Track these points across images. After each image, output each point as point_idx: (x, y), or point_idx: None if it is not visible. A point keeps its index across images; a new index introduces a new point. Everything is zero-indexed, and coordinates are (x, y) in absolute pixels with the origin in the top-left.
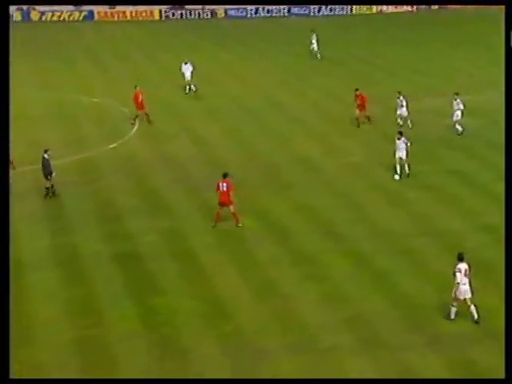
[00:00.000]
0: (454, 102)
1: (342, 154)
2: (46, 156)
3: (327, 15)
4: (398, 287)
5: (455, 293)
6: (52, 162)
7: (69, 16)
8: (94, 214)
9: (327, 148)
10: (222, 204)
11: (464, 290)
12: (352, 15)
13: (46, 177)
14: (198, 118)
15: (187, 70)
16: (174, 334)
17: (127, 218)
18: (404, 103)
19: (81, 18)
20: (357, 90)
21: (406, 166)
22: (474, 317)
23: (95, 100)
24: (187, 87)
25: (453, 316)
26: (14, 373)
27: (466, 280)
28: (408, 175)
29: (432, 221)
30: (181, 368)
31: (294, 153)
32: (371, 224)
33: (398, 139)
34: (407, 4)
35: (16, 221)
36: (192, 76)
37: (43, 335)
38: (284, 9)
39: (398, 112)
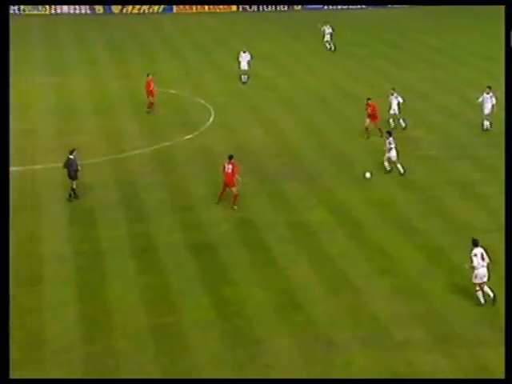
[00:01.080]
0: (487, 96)
1: (416, 147)
2: (71, 156)
3: (402, 7)
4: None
5: (474, 278)
6: (78, 163)
7: (148, 8)
8: (169, 204)
9: (401, 140)
10: (226, 185)
11: (483, 273)
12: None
13: (73, 177)
14: (272, 109)
15: (244, 58)
16: (245, 324)
17: (201, 208)
18: (397, 101)
19: (160, 10)
20: (369, 99)
21: (389, 164)
22: (480, 300)
23: (172, 91)
24: (243, 77)
25: (482, 301)
26: (92, 358)
27: (483, 263)
28: (395, 172)
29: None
30: (253, 358)
31: (367, 145)
32: (446, 218)
33: (387, 138)
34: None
35: (94, 209)
36: (249, 65)
37: (121, 321)
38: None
39: (391, 112)
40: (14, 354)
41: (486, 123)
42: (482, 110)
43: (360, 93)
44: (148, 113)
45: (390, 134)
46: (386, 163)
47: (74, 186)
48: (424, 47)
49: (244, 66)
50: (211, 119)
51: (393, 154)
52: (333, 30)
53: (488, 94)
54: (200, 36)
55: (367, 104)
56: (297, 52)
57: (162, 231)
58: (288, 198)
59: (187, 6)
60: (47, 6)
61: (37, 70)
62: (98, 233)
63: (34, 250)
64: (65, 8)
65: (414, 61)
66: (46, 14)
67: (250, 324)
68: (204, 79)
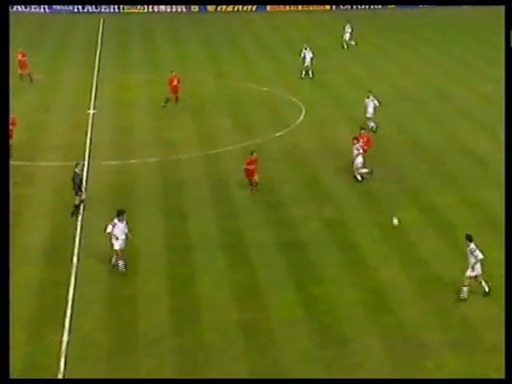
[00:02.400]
0: None
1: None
2: (76, 170)
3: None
4: None
5: (471, 271)
6: (83, 178)
7: (242, 6)
8: (259, 201)
9: (496, 141)
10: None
11: (476, 269)
12: None
13: (76, 192)
14: (362, 107)
15: (307, 55)
16: (334, 323)
17: (291, 205)
18: (373, 104)
19: (253, 8)
20: (361, 129)
21: (358, 173)
22: (485, 290)
23: (264, 89)
24: (303, 72)
25: (464, 296)
26: (182, 350)
27: (478, 258)
28: (360, 180)
29: None
30: (341, 357)
31: (460, 145)
32: None
33: (354, 144)
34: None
35: (186, 205)
36: (312, 62)
37: (210, 315)
38: None
39: (368, 115)
40: (109, 344)
41: None
42: None
43: (456, 93)
44: (163, 107)
45: (357, 139)
46: (358, 174)
47: (77, 202)
48: None
49: (307, 62)
50: (302, 117)
51: (359, 160)
52: (352, 29)
53: None
54: (292, 34)
55: (359, 135)
56: (388, 50)
57: (252, 228)
58: (378, 198)
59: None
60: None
61: (134, 67)
62: (189, 228)
63: (128, 243)
64: (162, 7)
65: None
66: (143, 12)
67: (339, 323)
68: (295, 77)
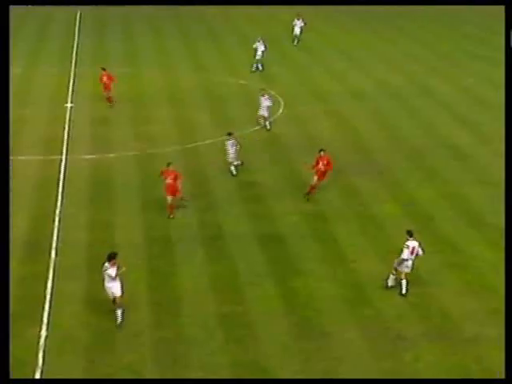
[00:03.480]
0: None
1: (493, 142)
2: None
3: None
4: None
5: (398, 264)
6: None
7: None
8: (238, 194)
9: (478, 135)
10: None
11: (406, 265)
12: None
13: None
14: (343, 101)
15: (259, 48)
16: (314, 315)
17: (270, 199)
18: (267, 103)
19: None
20: (321, 150)
21: (232, 167)
22: (402, 290)
23: (242, 82)
24: (254, 65)
25: (390, 283)
26: (162, 343)
27: (412, 257)
28: (235, 175)
29: None
30: (321, 350)
31: (441, 139)
32: None
33: (228, 140)
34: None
35: (164, 199)
36: (263, 55)
37: (190, 309)
38: None
39: (260, 113)
40: (88, 338)
41: None
42: None
43: (437, 87)
44: (110, 107)
45: (230, 134)
46: (232, 167)
47: None
48: None
49: (258, 55)
50: (280, 110)
51: (231, 155)
52: (304, 24)
53: None
54: (273, 30)
55: (319, 157)
56: (373, 45)
57: (231, 221)
58: (358, 192)
59: None
60: None
61: (112, 60)
62: (169, 221)
63: (107, 237)
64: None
65: (499, 55)
66: (121, 5)
67: (318, 316)
68: (274, 70)
